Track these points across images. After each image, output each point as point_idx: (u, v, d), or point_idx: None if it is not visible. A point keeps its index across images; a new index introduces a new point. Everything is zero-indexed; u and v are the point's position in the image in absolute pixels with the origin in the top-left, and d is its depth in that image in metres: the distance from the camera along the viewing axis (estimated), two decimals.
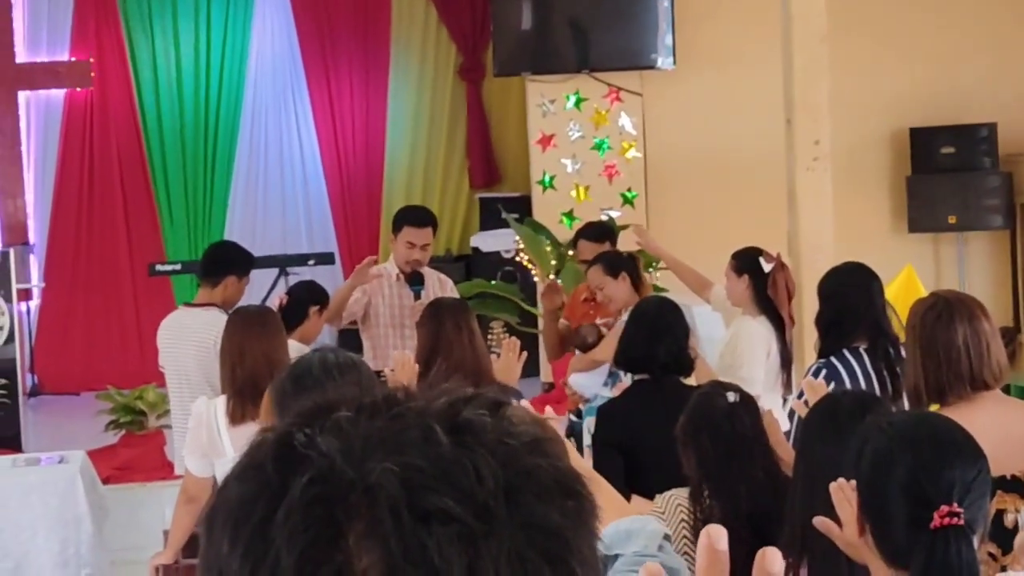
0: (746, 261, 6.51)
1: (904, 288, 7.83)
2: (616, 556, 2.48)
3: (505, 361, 5.66)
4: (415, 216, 7.42)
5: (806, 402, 4.31)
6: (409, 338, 6.69)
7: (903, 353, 5.00)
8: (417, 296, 7.10)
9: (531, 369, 9.00)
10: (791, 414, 5.48)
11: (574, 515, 1.01)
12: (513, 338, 6.00)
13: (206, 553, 1.02)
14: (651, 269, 8.66)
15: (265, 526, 0.97)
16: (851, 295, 5.48)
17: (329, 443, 0.99)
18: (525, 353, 5.75)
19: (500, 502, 0.97)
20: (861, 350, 5.39)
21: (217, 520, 1.02)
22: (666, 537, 2.56)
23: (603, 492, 2.82)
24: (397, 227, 7.31)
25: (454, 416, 1.02)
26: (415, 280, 7.20)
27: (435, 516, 0.96)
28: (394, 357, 5.15)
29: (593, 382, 6.75)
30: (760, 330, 6.42)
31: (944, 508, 2.46)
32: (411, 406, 1.03)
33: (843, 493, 2.69)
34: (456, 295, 7.26)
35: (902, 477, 2.54)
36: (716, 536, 1.06)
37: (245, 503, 1.00)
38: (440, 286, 7.34)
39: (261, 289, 9.59)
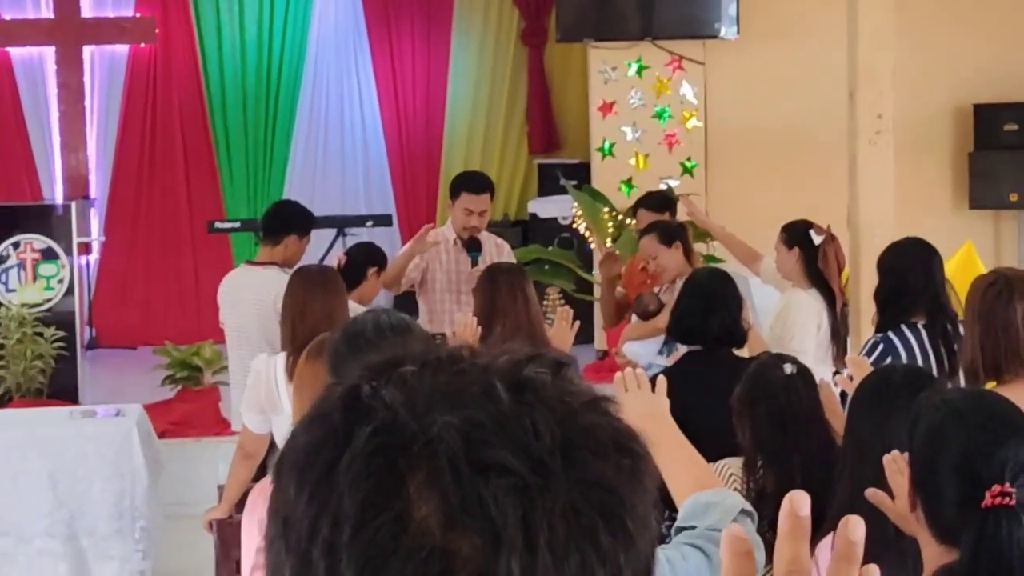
0: (796, 234, 6.50)
1: (963, 265, 7.78)
2: (692, 527, 2.50)
3: (558, 328, 5.71)
4: (473, 182, 7.42)
5: (850, 377, 4.31)
6: (465, 304, 6.71)
7: (961, 330, 4.99)
8: (475, 262, 7.10)
9: (585, 336, 9.01)
10: (843, 393, 5.48)
11: (629, 472, 1.03)
12: (566, 306, 6.02)
13: (275, 498, 1.05)
14: (707, 240, 8.64)
15: (330, 473, 1.00)
16: (911, 270, 5.46)
17: (393, 396, 1.02)
18: (578, 322, 5.78)
19: (556, 457, 0.99)
20: (919, 326, 5.38)
21: (285, 466, 1.05)
22: (746, 513, 2.57)
23: (690, 458, 2.86)
24: (455, 193, 7.32)
25: (515, 374, 1.04)
26: (473, 246, 7.21)
27: (493, 469, 0.98)
28: (457, 319, 5.19)
29: (648, 351, 6.74)
30: (811, 302, 6.41)
31: (996, 488, 2.45)
32: (474, 363, 1.05)
33: (897, 465, 2.69)
34: (513, 260, 7.27)
35: (954, 455, 2.53)
36: (799, 502, 1.07)
37: (312, 450, 1.03)
38: (497, 251, 7.35)
39: (318, 249, 9.63)
